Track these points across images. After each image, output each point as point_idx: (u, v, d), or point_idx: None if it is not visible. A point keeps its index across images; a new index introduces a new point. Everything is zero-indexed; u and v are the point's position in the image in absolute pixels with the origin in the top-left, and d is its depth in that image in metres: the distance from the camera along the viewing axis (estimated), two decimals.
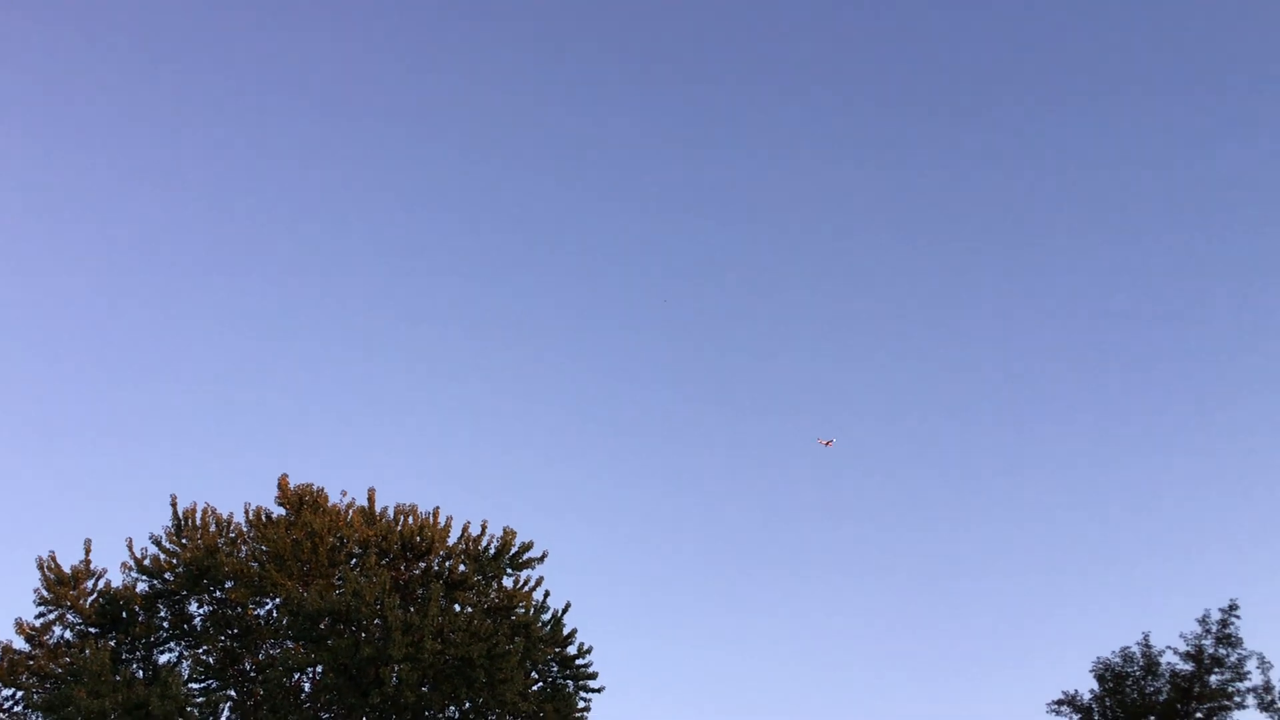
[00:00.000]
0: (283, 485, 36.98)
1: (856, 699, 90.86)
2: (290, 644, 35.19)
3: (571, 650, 37.65)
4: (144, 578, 36.01)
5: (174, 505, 36.79)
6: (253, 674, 35.79)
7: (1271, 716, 33.92)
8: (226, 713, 35.00)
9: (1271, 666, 34.24)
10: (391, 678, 32.77)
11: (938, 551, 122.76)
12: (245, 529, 37.13)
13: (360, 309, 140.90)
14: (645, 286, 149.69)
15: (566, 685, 37.46)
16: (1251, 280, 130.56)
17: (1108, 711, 34.40)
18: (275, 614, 36.04)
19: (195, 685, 34.94)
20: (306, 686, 35.60)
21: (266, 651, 36.11)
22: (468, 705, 35.08)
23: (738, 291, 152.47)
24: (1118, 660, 35.08)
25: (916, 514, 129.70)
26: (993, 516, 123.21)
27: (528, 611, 37.22)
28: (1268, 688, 34.03)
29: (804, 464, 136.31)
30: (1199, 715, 33.74)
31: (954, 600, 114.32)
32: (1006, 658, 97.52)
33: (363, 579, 34.08)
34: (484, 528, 38.02)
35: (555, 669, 37.59)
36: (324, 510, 36.47)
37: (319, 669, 34.73)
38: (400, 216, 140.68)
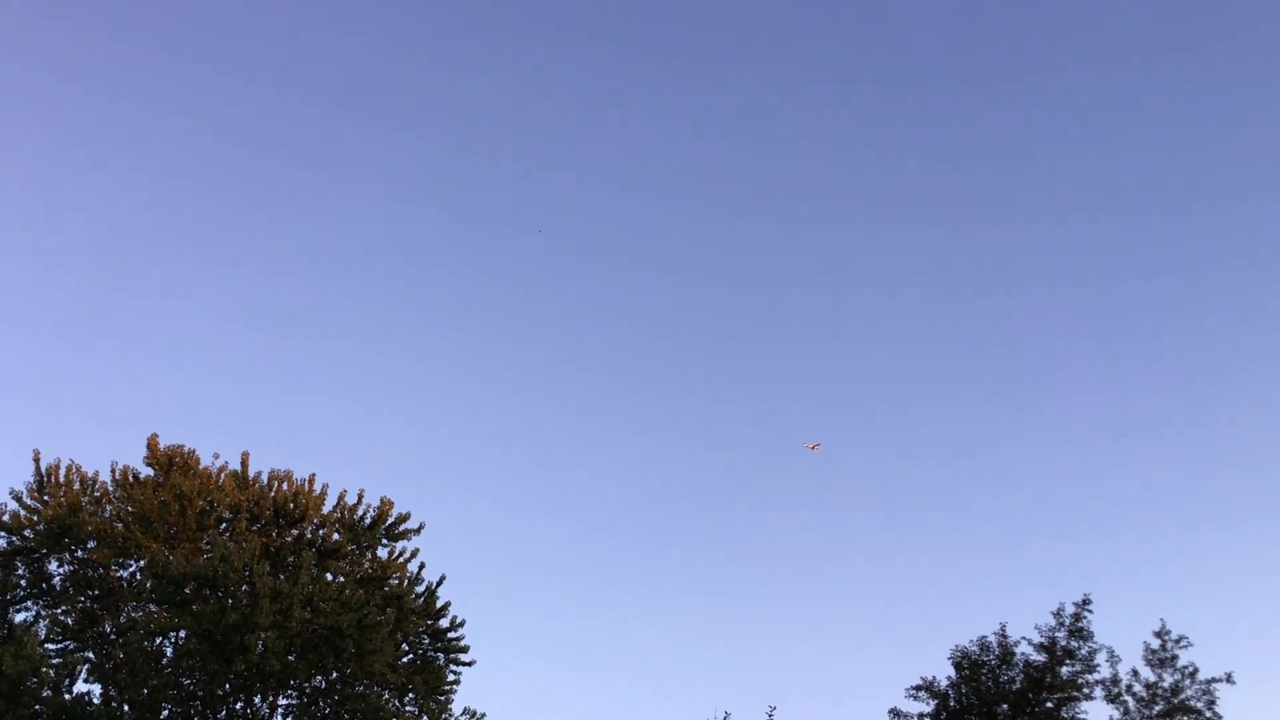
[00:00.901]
0: (152, 445, 36.87)
1: (722, 672, 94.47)
2: (153, 607, 35.28)
3: (444, 623, 38.43)
4: (2, 534, 35.71)
5: (37, 461, 36.43)
6: (113, 636, 35.82)
7: (1118, 708, 36.18)
8: (84, 675, 35.08)
9: (1120, 660, 36.44)
10: (257, 645, 33.08)
11: (806, 534, 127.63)
12: (111, 489, 36.94)
13: (249, 272, 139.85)
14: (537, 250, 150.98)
15: (437, 658, 38.24)
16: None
17: (963, 698, 36.25)
18: (139, 576, 36.07)
19: (51, 646, 34.85)
20: (168, 651, 35.78)
21: (128, 614, 36.13)
22: (335, 675, 35.65)
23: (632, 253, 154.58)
24: (975, 649, 36.96)
25: (784, 497, 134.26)
26: (860, 506, 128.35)
27: (401, 583, 37.84)
28: (1115, 680, 36.20)
29: (687, 439, 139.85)
30: (1049, 705, 35.76)
31: (820, 579, 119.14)
32: (872, 642, 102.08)
33: (232, 544, 34.25)
34: (360, 497, 38.47)
35: (427, 641, 38.31)
36: (194, 473, 36.47)
37: (182, 634, 34.91)
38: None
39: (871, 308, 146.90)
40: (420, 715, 37.12)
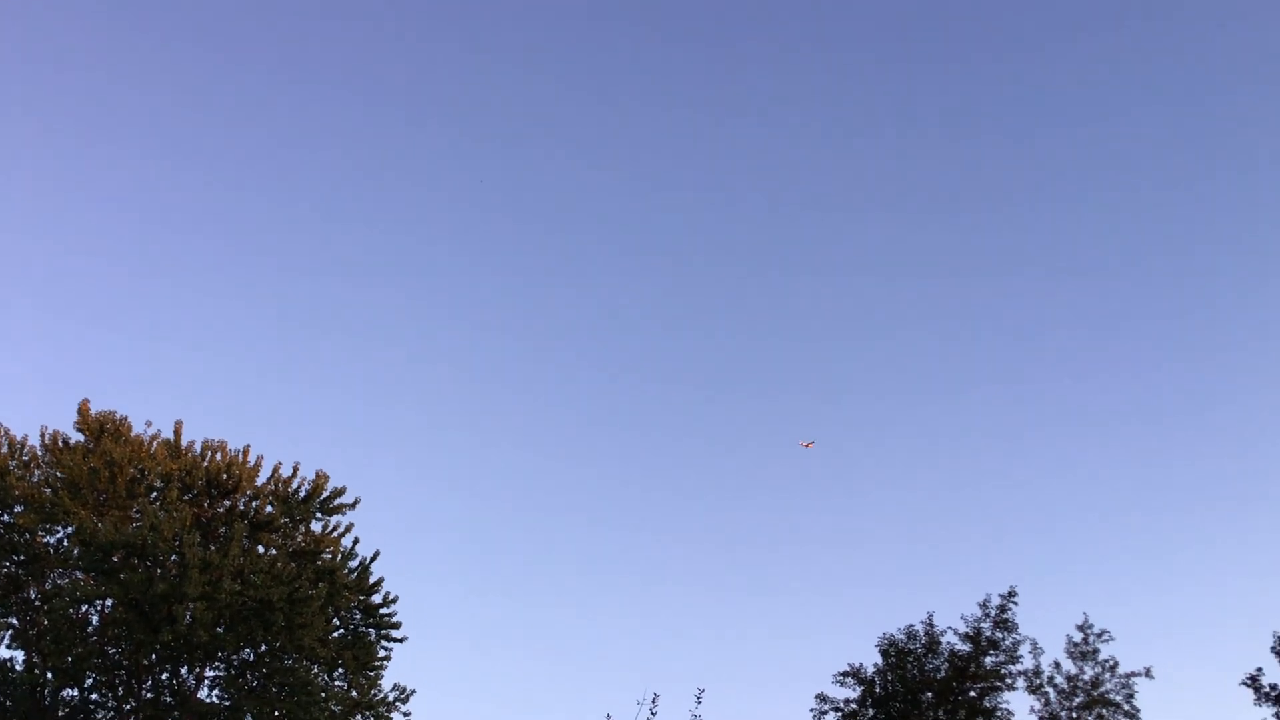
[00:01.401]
0: (83, 411, 36.77)
1: (652, 654, 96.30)
2: (80, 575, 35.27)
3: (376, 599, 38.63)
4: None
5: None
6: (37, 603, 35.77)
7: (1039, 699, 37.43)
8: (6, 641, 35.04)
9: (1043, 652, 37.71)
10: (185, 616, 33.22)
11: (740, 515, 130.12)
12: (40, 453, 36.83)
13: (192, 240, 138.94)
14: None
15: (368, 634, 38.46)
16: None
17: (889, 685, 37.32)
18: (66, 543, 35.99)
19: None
20: (94, 620, 35.84)
21: (54, 581, 36.09)
22: (264, 648, 35.89)
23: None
24: (902, 637, 38.05)
25: (724, 488, 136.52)
26: (797, 497, 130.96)
27: (334, 557, 37.99)
28: (1037, 671, 37.47)
29: (629, 424, 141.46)
30: (972, 694, 36.94)
31: (753, 566, 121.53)
32: (803, 629, 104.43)
33: (162, 513, 34.23)
34: (295, 470, 38.60)
35: (358, 617, 38.50)
36: (126, 440, 36.41)
37: (108, 603, 34.98)
38: None
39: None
40: (349, 690, 37.40)
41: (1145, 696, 37.02)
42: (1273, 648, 41.55)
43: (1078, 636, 37.62)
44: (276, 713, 35.05)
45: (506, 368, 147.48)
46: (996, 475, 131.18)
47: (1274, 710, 40.54)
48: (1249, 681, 41.19)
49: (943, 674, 36.99)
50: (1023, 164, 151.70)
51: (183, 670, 35.92)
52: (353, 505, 39.21)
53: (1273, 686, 40.86)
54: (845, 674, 37.97)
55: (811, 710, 37.72)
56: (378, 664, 38.17)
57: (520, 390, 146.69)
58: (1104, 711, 36.48)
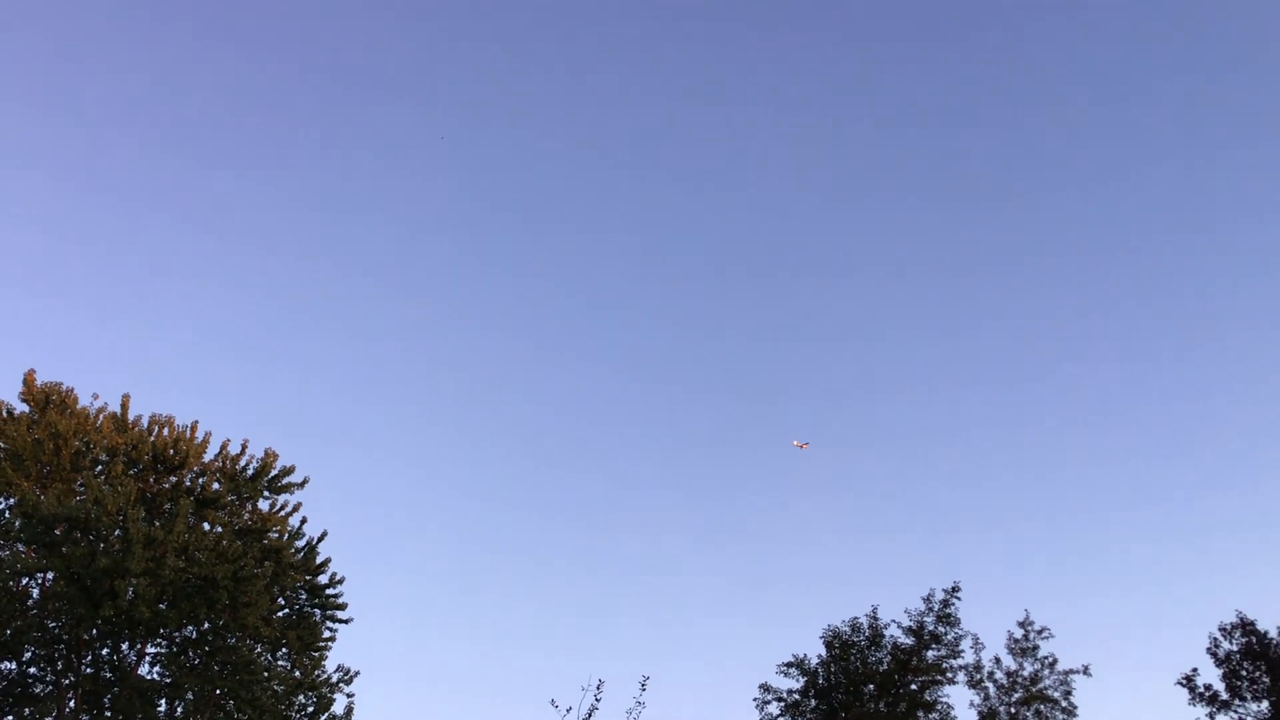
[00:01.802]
0: (28, 381, 36.58)
1: (598, 641, 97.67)
2: (21, 547, 35.13)
3: (323, 579, 38.76)
4: None
5: None
6: None
7: (979, 693, 38.33)
8: None
9: (984, 648, 38.64)
10: (127, 591, 33.09)
11: (690, 513, 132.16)
12: None
13: (146, 216, 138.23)
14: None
15: (314, 614, 38.56)
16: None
17: (832, 677, 38.00)
18: (7, 515, 35.78)
19: None
20: (35, 593, 35.75)
21: None
22: (207, 626, 35.86)
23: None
24: (847, 630, 38.79)
25: (671, 478, 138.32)
26: (745, 489, 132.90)
27: (281, 536, 38.05)
28: (978, 666, 38.38)
29: (579, 412, 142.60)
30: (914, 687, 37.72)
31: (700, 556, 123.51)
32: (751, 620, 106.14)
33: (106, 487, 34.15)
34: (244, 447, 38.58)
35: (304, 597, 38.58)
36: (71, 412, 36.29)
37: (50, 576, 34.89)
38: None
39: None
40: (293, 670, 37.49)
41: (1083, 694, 38.07)
42: (1208, 649, 42.90)
43: (1019, 633, 38.59)
44: (218, 691, 35.08)
45: (476, 357, 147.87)
46: (950, 475, 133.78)
47: (1207, 710, 41.89)
48: (1184, 681, 42.59)
49: (885, 666, 37.74)
50: (1025, 162, 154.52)
51: (123, 646, 35.85)
52: (301, 484, 39.29)
53: (1207, 687, 42.22)
54: (789, 664, 38.66)
55: (755, 700, 38.38)
56: (322, 644, 38.25)
57: (487, 381, 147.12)
58: (1042, 707, 37.38)
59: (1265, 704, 41.16)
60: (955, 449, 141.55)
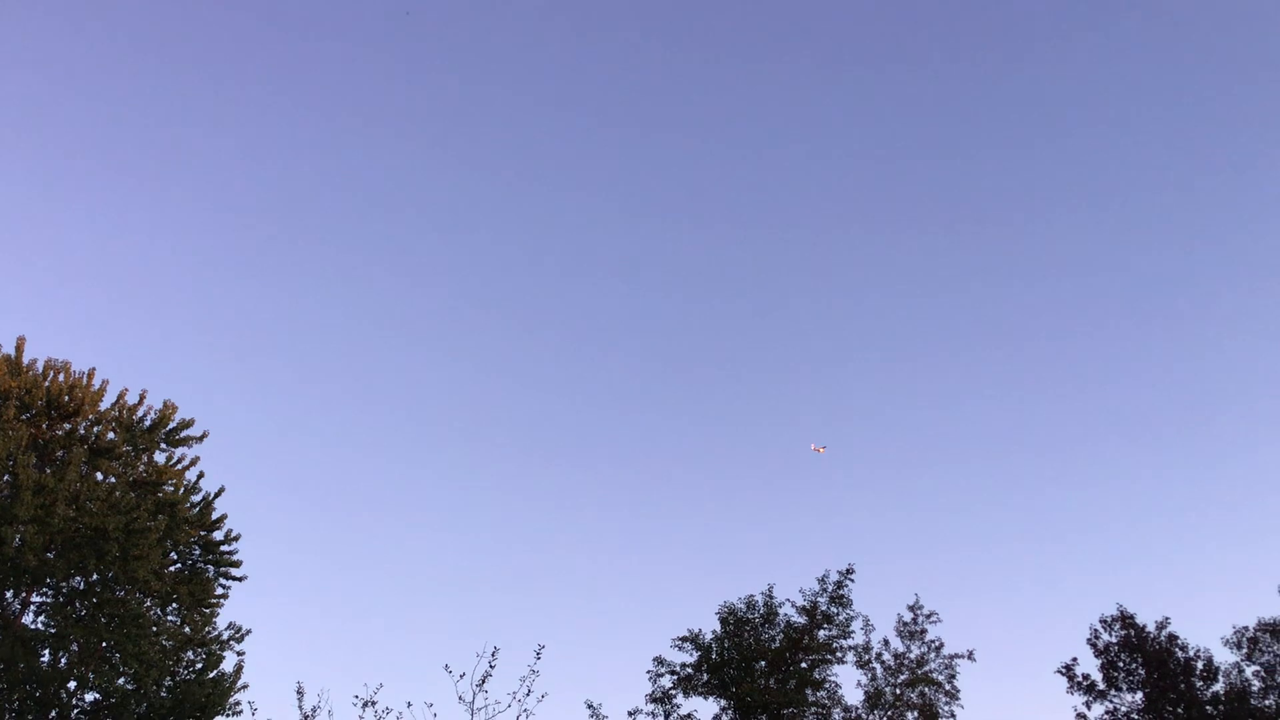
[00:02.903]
0: None
1: (494, 611, 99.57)
2: None
3: (218, 536, 39.01)
4: None
5: None
6: None
7: (866, 673, 40.05)
8: None
9: (874, 629, 40.32)
10: (14, 539, 33.19)
11: (597, 485, 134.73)
12: None
13: (74, 166, 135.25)
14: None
15: (207, 570, 38.83)
16: None
17: (725, 652, 39.31)
18: None
19: None
20: None
21: None
22: (95, 578, 35.97)
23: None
24: (742, 606, 40.11)
25: (577, 453, 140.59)
26: (649, 464, 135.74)
27: (177, 490, 38.22)
28: (867, 647, 40.07)
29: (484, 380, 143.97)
30: (804, 665, 39.25)
31: (601, 530, 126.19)
32: (648, 595, 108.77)
33: None
34: (143, 397, 38.53)
35: (197, 552, 38.81)
36: None
37: None
38: None
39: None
40: (182, 626, 37.77)
41: (967, 678, 39.99)
42: (1088, 640, 45.39)
43: (908, 616, 40.36)
44: (104, 644, 35.27)
45: (389, 312, 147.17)
46: (851, 462, 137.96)
47: (1084, 699, 44.37)
48: (1063, 670, 45.03)
49: (777, 644, 39.11)
50: (1027, 171, 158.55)
51: (8, 594, 35.82)
52: (200, 438, 39.42)
53: (1085, 676, 44.68)
54: (684, 639, 39.84)
55: (648, 673, 39.50)
56: (214, 601, 38.53)
57: (391, 338, 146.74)
58: (926, 689, 39.20)
59: (1140, 695, 43.68)
60: (861, 436, 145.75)
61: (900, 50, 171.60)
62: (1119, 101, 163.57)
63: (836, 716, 38.58)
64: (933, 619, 40.22)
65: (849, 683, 40.99)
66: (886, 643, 39.98)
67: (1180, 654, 43.66)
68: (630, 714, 37.92)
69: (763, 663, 39.01)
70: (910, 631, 40.04)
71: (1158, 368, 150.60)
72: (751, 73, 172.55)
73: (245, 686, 37.20)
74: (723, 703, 38.63)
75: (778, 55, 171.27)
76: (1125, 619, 44.89)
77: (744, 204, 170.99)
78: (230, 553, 39.23)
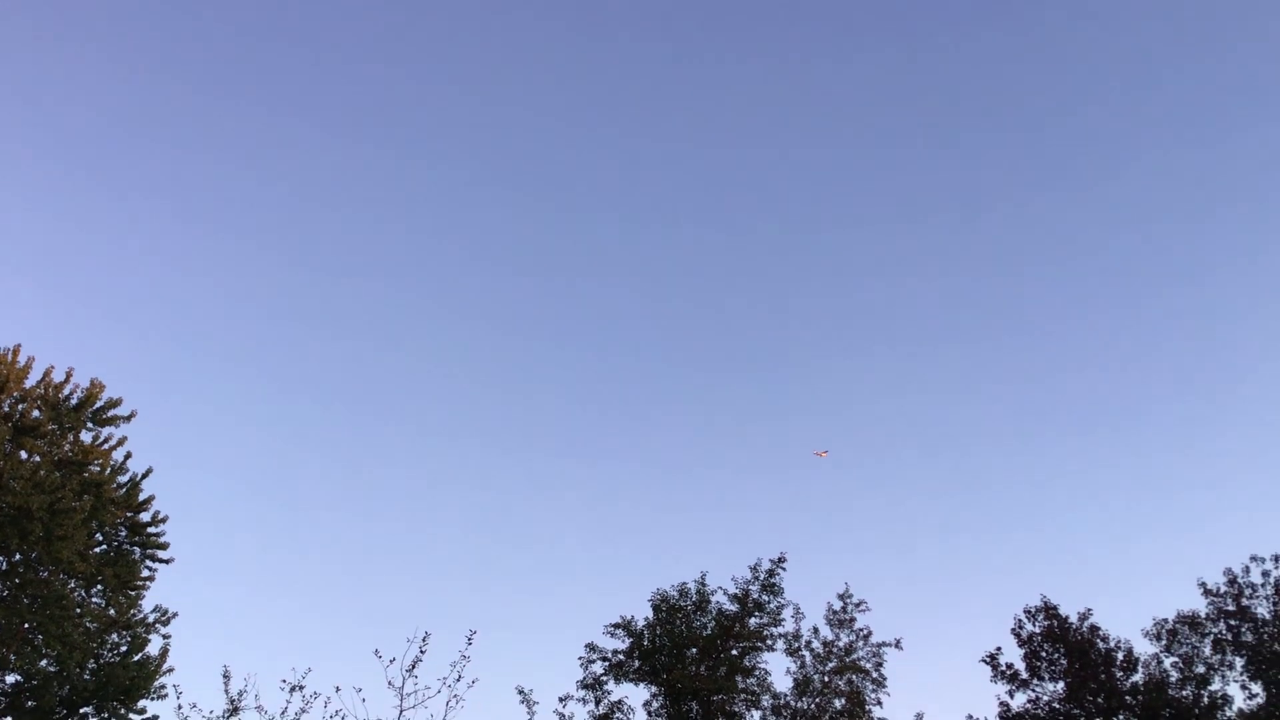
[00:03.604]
0: None
1: (427, 596, 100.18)
2: None
3: (145, 517, 38.84)
4: None
5: None
6: None
7: (795, 661, 40.87)
8: None
9: (804, 617, 41.10)
10: None
11: (558, 476, 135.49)
12: None
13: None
14: None
15: (133, 552, 38.66)
16: None
17: (657, 639, 39.96)
18: None
19: None
20: None
21: None
22: (18, 558, 35.74)
23: None
24: (675, 594, 40.76)
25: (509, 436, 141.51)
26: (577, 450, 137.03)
27: (103, 471, 37.98)
28: (797, 635, 40.85)
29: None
30: (735, 652, 40.04)
31: (534, 517, 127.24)
32: (581, 582, 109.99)
33: None
34: (69, 375, 38.10)
35: (123, 534, 38.64)
36: None
37: None
38: None
39: None
40: (107, 608, 37.65)
41: (894, 666, 41.00)
42: (1012, 630, 46.76)
43: (838, 605, 41.23)
44: (26, 625, 35.09)
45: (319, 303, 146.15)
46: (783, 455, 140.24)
47: (1008, 688, 45.73)
48: (988, 660, 46.31)
49: (709, 631, 39.85)
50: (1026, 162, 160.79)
51: None
52: (128, 418, 39.09)
53: (1009, 666, 46.02)
54: (616, 625, 40.46)
55: (580, 659, 40.05)
56: (139, 584, 38.38)
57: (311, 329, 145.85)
58: (854, 677, 40.10)
59: (1061, 684, 45.05)
60: (796, 428, 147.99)
61: (898, 43, 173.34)
62: (1116, 90, 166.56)
63: (765, 703, 39.41)
64: (862, 608, 41.15)
65: (779, 670, 42.10)
66: (816, 631, 40.83)
67: (1101, 645, 45.09)
68: (561, 700, 38.48)
69: (694, 650, 39.73)
70: (839, 620, 40.94)
71: (1087, 366, 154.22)
72: (751, 72, 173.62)
73: (171, 670, 37.25)
74: (653, 689, 39.33)
75: (776, 52, 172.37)
76: (1049, 610, 46.26)
77: (731, 200, 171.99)
78: (157, 535, 39.10)
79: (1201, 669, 44.54)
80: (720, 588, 40.91)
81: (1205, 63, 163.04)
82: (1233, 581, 46.11)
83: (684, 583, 40.95)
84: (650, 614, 40.64)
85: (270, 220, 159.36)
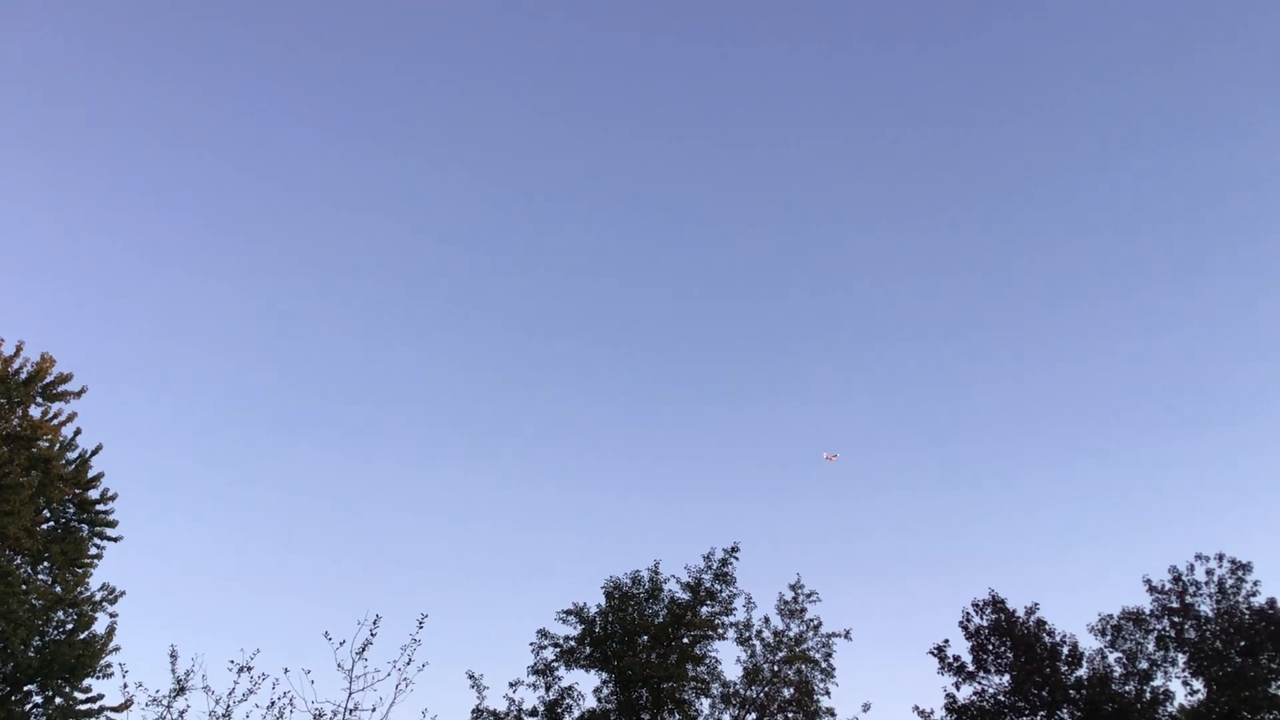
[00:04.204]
0: None
1: (375, 583, 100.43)
2: None
3: (94, 494, 38.74)
4: None
5: None
6: None
7: (746, 650, 41.35)
8: None
9: (755, 607, 41.56)
10: None
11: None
12: None
13: None
14: None
15: (81, 529, 38.59)
16: None
17: (609, 626, 40.30)
18: None
19: None
20: None
21: None
22: None
23: None
24: (627, 581, 41.10)
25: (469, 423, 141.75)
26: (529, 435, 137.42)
27: (52, 446, 37.82)
28: (748, 624, 41.32)
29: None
30: (686, 640, 40.46)
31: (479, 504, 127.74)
32: (534, 571, 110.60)
33: None
34: (19, 349, 37.84)
35: (72, 511, 38.56)
36: None
37: None
38: None
39: None
40: (54, 586, 37.51)
41: (843, 656, 41.52)
42: (960, 623, 47.58)
43: (789, 595, 41.75)
44: None
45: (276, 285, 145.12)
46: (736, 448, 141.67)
47: (954, 680, 46.54)
48: (935, 651, 47.09)
49: (661, 619, 40.24)
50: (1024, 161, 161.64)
51: None
52: (78, 394, 38.90)
53: (956, 658, 46.81)
54: (568, 612, 40.75)
55: (531, 645, 40.33)
56: (87, 561, 38.31)
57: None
58: (803, 667, 40.62)
59: (1007, 677, 45.89)
60: (751, 421, 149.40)
61: (895, 38, 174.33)
62: (1123, 96, 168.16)
63: (715, 691, 39.85)
64: (813, 598, 41.69)
65: (729, 659, 42.53)
66: (767, 620, 41.31)
67: (1047, 639, 45.93)
68: (511, 685, 38.78)
69: (645, 637, 40.08)
70: (790, 610, 41.45)
71: (1038, 367, 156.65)
72: (750, 70, 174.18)
73: (117, 649, 37.16)
74: (604, 675, 39.68)
75: (773, 52, 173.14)
76: (996, 603, 47.07)
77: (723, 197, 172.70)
78: (106, 512, 38.99)
79: (1144, 665, 45.45)
80: (673, 576, 41.36)
81: (1200, 60, 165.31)
82: (1177, 579, 47.07)
83: (637, 570, 41.41)
84: (603, 601, 40.97)
85: (256, 213, 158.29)
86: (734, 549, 41.03)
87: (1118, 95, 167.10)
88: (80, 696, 36.29)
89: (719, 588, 40.92)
